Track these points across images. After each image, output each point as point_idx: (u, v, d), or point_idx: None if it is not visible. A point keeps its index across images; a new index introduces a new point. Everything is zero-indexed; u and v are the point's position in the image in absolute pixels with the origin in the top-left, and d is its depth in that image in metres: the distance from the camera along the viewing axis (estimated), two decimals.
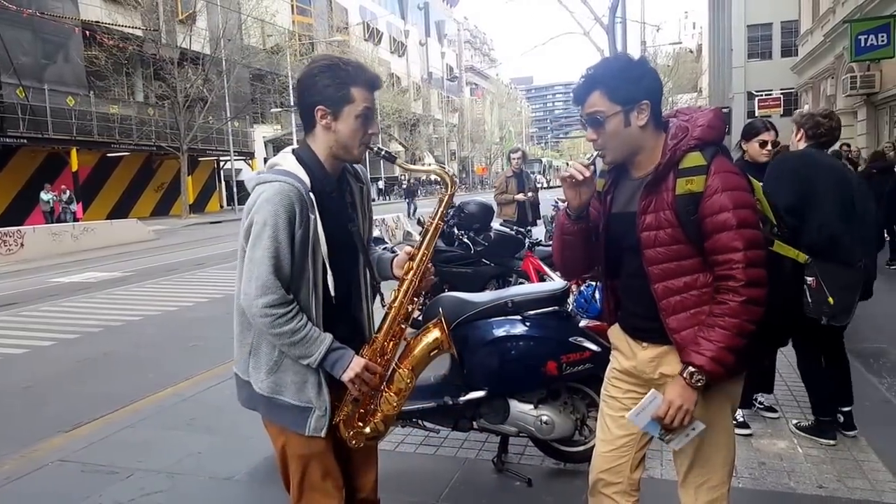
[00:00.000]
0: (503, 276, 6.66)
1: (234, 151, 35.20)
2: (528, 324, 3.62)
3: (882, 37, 16.40)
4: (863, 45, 16.63)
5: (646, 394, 2.29)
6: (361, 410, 2.23)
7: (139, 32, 29.95)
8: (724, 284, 1.99)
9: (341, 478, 2.28)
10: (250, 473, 3.98)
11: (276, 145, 42.26)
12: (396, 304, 2.22)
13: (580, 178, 2.14)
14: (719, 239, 1.97)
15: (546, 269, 6.23)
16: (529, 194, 9.37)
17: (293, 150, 2.19)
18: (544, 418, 3.58)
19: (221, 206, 39.30)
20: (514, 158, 9.62)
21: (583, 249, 2.33)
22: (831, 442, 3.98)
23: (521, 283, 6.22)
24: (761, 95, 28.75)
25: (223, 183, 39.38)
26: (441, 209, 2.29)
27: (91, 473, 4.03)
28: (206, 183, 38.64)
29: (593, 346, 3.55)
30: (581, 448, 3.75)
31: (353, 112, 2.10)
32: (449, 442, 4.19)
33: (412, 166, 2.43)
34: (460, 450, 4.10)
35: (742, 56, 34.28)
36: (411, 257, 2.25)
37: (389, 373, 2.24)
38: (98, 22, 28.30)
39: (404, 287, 2.23)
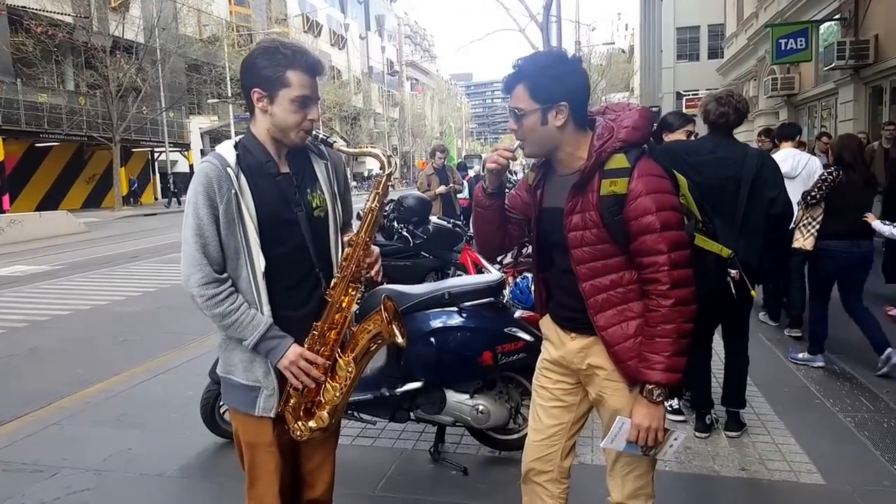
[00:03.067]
0: (442, 269, 6.71)
1: (169, 143, 34.32)
2: (464, 315, 3.65)
3: (801, 41, 17.09)
4: (783, 48, 17.27)
5: (575, 385, 2.34)
6: (308, 401, 2.20)
7: (69, 19, 28.84)
8: (651, 289, 2.02)
9: (287, 482, 2.28)
10: (182, 470, 3.91)
11: (212, 136, 41.36)
12: (335, 291, 2.18)
13: (506, 162, 2.21)
14: (644, 241, 2.00)
15: (483, 261, 6.29)
16: (452, 186, 9.66)
17: (238, 138, 2.19)
18: (480, 408, 3.63)
19: (156, 199, 38.24)
20: (438, 157, 9.88)
21: (495, 224, 2.38)
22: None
23: (458, 276, 6.27)
24: (689, 95, 29.57)
25: (157, 175, 38.33)
26: (378, 191, 2.20)
27: (14, 472, 3.90)
28: (139, 174, 37.55)
29: (528, 337, 3.60)
30: (516, 436, 3.81)
31: (289, 96, 2.06)
32: (386, 433, 4.20)
33: (351, 150, 2.36)
34: (397, 441, 4.12)
35: (671, 57, 35.27)
36: (349, 243, 2.20)
37: (333, 363, 2.20)
38: (25, 7, 27.13)
39: (341, 274, 2.18)
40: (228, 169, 2.04)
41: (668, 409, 4.28)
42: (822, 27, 17.32)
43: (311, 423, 2.20)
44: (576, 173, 2.12)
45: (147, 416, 4.74)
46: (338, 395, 2.18)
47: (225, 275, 2.08)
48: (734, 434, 4.07)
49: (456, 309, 3.67)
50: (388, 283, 4.60)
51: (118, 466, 3.95)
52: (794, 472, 3.62)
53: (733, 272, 2.43)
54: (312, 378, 2.14)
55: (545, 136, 2.12)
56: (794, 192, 5.56)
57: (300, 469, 2.38)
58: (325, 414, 2.19)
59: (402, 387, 3.60)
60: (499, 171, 2.26)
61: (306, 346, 2.15)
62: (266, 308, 2.11)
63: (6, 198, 25.81)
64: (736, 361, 4.21)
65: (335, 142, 2.27)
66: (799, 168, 5.93)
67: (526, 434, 3.85)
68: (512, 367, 3.66)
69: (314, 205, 2.22)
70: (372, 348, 2.23)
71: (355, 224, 2.34)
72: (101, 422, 4.67)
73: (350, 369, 2.18)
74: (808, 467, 3.65)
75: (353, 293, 2.20)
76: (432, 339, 3.59)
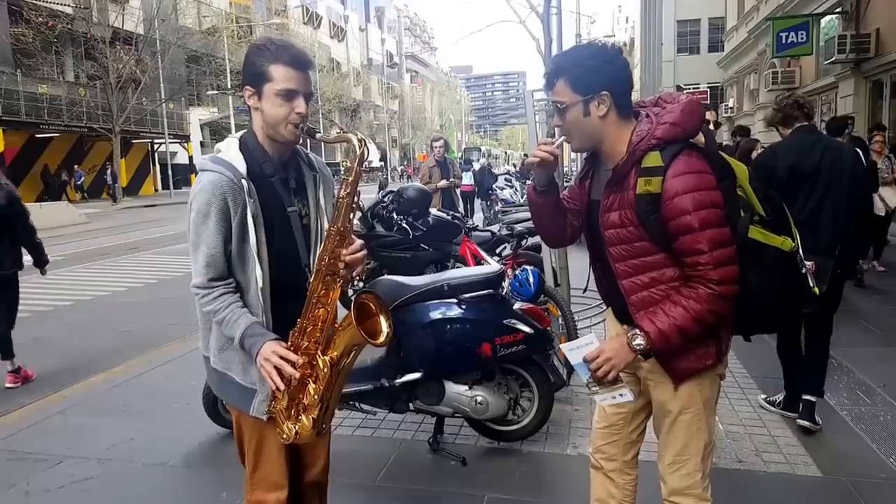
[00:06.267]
0: (441, 261, 6.71)
1: (169, 134, 34.22)
2: (463, 307, 3.68)
3: (801, 34, 17.12)
4: (784, 42, 17.31)
5: (634, 376, 2.32)
6: (293, 402, 2.12)
7: (69, 10, 28.73)
8: (697, 276, 1.99)
9: (287, 465, 2.29)
10: (185, 459, 3.95)
11: (212, 128, 41.29)
12: (312, 283, 2.10)
13: (546, 156, 2.15)
14: (684, 241, 1.97)
15: (483, 253, 6.31)
16: (453, 180, 9.58)
17: (241, 135, 2.20)
18: (479, 399, 3.66)
19: (156, 190, 38.22)
20: (436, 147, 9.75)
21: (556, 218, 2.36)
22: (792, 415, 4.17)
23: (458, 268, 6.29)
24: (689, 89, 29.61)
25: (157, 166, 38.29)
26: (350, 178, 2.05)
27: (18, 461, 3.94)
28: (139, 165, 37.52)
29: (527, 329, 3.63)
30: (514, 427, 3.85)
31: (273, 90, 2.07)
32: (386, 424, 4.23)
33: (327, 138, 2.25)
34: (397, 431, 4.15)
35: (672, 50, 35.24)
36: (327, 234, 2.12)
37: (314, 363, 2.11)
38: None
39: (316, 266, 2.12)
40: (243, 181, 2.06)
41: None
42: (823, 21, 17.35)
43: (297, 427, 2.12)
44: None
45: (149, 406, 4.78)
46: (316, 397, 2.08)
47: (225, 279, 2.10)
48: (811, 425, 4.02)
49: (455, 301, 3.70)
50: (387, 275, 4.64)
51: (121, 455, 3.99)
52: (791, 464, 3.65)
53: (808, 264, 2.34)
54: (287, 376, 2.05)
55: (589, 128, 2.09)
56: None
57: (297, 450, 2.37)
58: (308, 417, 2.11)
59: (401, 377, 3.63)
60: (546, 168, 2.21)
61: (290, 342, 2.09)
62: (265, 305, 2.13)
63: None
64: (816, 350, 4.22)
65: (317, 132, 2.24)
66: None
67: (524, 425, 3.92)
68: (511, 359, 3.70)
69: (302, 213, 2.24)
70: (352, 352, 2.11)
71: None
72: (104, 411, 4.71)
73: (326, 370, 2.06)
74: (804, 459, 3.69)
75: (335, 286, 2.11)
76: (432, 331, 3.62)
